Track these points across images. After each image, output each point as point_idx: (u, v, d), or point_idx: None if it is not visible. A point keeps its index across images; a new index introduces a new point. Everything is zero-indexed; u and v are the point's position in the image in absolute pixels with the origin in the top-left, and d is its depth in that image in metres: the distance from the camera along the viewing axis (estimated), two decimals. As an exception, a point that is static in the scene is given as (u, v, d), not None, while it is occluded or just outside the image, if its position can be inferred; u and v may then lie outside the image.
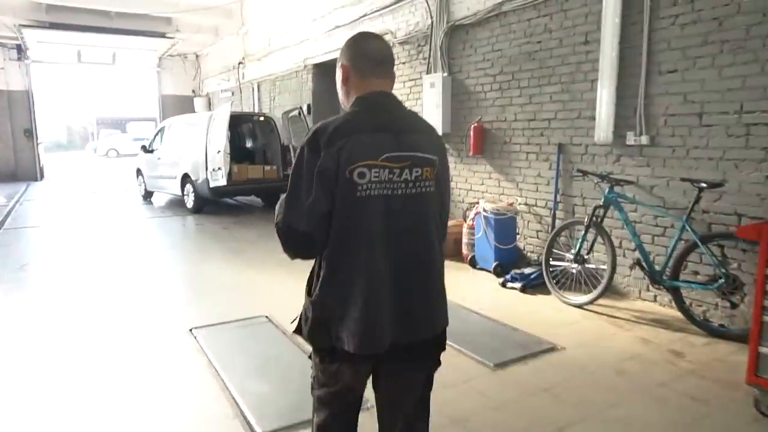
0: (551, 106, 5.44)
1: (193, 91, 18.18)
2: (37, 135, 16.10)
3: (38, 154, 16.18)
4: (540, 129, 5.59)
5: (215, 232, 8.47)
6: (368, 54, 1.57)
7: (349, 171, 1.41)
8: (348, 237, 1.45)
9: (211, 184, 9.24)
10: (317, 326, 1.52)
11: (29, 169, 15.87)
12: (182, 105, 16.87)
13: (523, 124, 5.79)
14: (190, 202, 10.08)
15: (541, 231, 5.75)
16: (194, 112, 15.30)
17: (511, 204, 5.79)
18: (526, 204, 5.89)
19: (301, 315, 1.60)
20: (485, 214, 5.65)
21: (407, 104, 5.66)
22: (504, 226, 5.61)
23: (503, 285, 5.23)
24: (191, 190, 9.92)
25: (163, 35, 14.34)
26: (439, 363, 1.68)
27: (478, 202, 6.00)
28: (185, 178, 10.07)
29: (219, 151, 9.06)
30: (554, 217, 5.46)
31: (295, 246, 1.52)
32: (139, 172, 12.23)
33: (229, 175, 9.33)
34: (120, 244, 7.54)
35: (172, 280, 5.88)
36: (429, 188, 1.52)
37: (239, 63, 13.90)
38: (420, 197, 1.51)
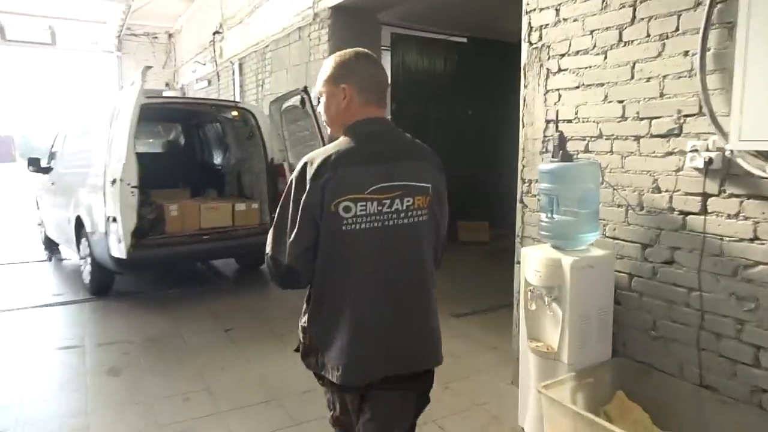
0: None
1: (167, 84, 13.35)
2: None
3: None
4: None
5: (99, 382, 3.45)
6: (374, 80, 1.49)
7: (334, 205, 1.37)
8: (334, 270, 1.43)
9: (112, 251, 4.28)
10: (306, 353, 1.53)
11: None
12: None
13: None
14: (86, 273, 5.13)
15: None
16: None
17: None
18: None
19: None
20: None
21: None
22: None
23: None
24: (87, 251, 4.98)
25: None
26: (427, 400, 1.60)
27: None
28: (79, 226, 5.15)
29: (114, 182, 4.09)
30: None
31: (280, 278, 1.49)
32: (38, 204, 7.35)
33: (151, 228, 4.41)
34: None
35: None
36: (422, 217, 1.47)
37: (215, 33, 9.00)
38: (412, 227, 1.45)
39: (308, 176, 1.38)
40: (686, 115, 2.26)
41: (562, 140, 2.54)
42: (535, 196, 3.04)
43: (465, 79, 7.89)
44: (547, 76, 2.90)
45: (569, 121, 2.76)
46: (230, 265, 6.21)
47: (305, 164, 1.42)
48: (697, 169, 2.22)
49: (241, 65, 8.05)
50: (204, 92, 10.17)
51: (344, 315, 1.42)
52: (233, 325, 4.30)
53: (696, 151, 2.20)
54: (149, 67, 4.28)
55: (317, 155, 1.42)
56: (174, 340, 3.98)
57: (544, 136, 2.94)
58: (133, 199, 4.05)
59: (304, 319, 1.53)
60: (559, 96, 2.83)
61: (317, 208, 1.38)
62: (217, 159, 6.75)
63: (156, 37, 13.12)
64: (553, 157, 2.54)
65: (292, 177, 1.43)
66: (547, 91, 2.90)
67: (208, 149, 6.92)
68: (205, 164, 6.90)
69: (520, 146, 3.11)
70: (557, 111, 2.61)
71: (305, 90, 4.80)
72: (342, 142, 1.45)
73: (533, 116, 3.00)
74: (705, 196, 2.21)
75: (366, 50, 1.53)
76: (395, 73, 7.38)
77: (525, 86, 3.05)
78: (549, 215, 2.52)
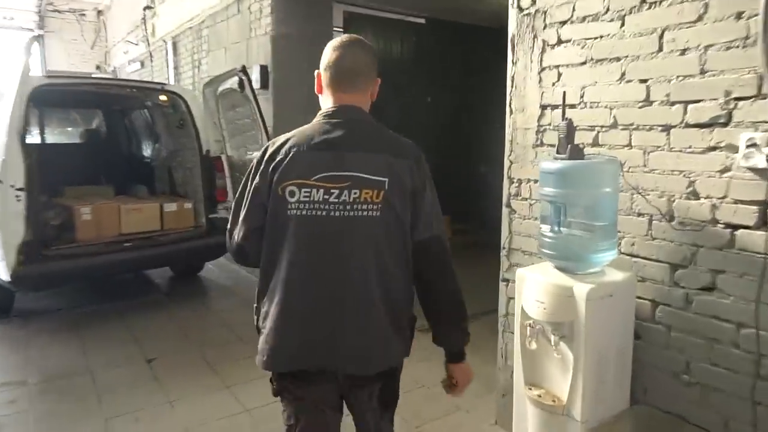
0: None
1: (98, 67, 12.11)
2: None
3: None
4: None
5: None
6: (334, 64, 1.44)
7: (281, 188, 1.38)
8: (274, 254, 1.42)
9: (-1, 272, 3.44)
10: (258, 334, 1.49)
11: None
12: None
13: None
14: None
15: None
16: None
17: None
18: None
19: None
20: None
21: None
22: None
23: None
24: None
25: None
26: (393, 397, 1.53)
27: None
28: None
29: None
30: None
31: (233, 254, 1.52)
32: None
33: (56, 236, 3.61)
34: None
35: None
36: (371, 212, 1.37)
37: (146, 8, 8.02)
38: (357, 221, 1.37)
39: (264, 158, 1.42)
40: (738, 98, 1.71)
41: (571, 131, 1.95)
42: (526, 199, 2.45)
43: (423, 64, 7.29)
44: (543, 50, 2.31)
45: (572, 106, 2.18)
46: (164, 272, 5.42)
47: (267, 146, 1.46)
48: (753, 169, 1.68)
49: (175, 44, 7.15)
50: (137, 75, 9.15)
51: (273, 300, 1.41)
52: (158, 353, 3.56)
53: (755, 146, 1.66)
54: (36, 38, 3.43)
55: (279, 138, 1.45)
56: (80, 378, 3.21)
57: (539, 126, 2.36)
58: (18, 204, 3.21)
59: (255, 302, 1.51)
60: (559, 75, 2.25)
61: (266, 189, 1.40)
62: (147, 151, 5.88)
63: (83, 14, 11.85)
64: (558, 152, 1.95)
65: (255, 156, 1.47)
66: (543, 69, 2.32)
67: (136, 140, 6.04)
68: (133, 157, 6.02)
69: (507, 137, 2.52)
70: (564, 93, 2.04)
71: (243, 70, 4.06)
72: (304, 127, 1.45)
73: (524, 100, 2.41)
74: (765, 205, 1.68)
75: (351, 35, 1.51)
76: None
77: (514, 63, 2.45)
78: (554, 228, 1.94)
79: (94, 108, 5.94)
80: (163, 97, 4.88)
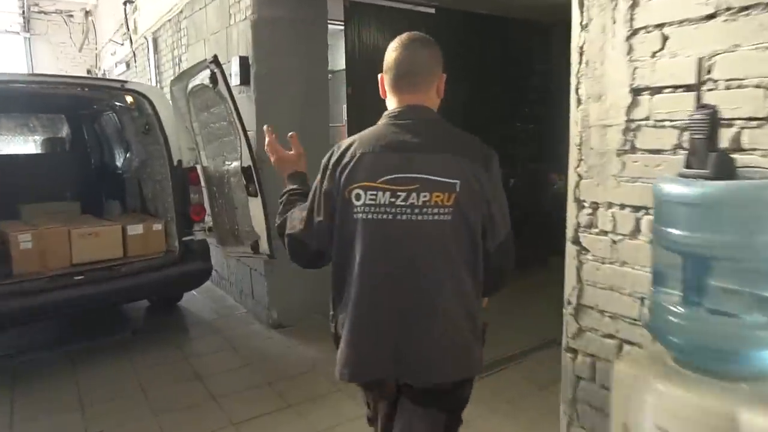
0: None
1: (89, 71, 11.42)
2: None
3: None
4: None
5: None
6: (394, 66, 1.40)
7: (347, 192, 1.34)
8: (344, 260, 1.38)
9: None
10: (335, 342, 1.44)
11: None
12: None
13: None
14: None
15: None
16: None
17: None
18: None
19: None
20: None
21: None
22: None
23: None
24: None
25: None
26: (458, 421, 1.43)
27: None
28: None
29: None
30: None
31: (304, 261, 1.48)
32: None
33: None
34: None
35: None
36: (441, 216, 1.30)
37: (125, 3, 7.27)
38: (426, 225, 1.30)
39: (331, 162, 1.38)
40: None
41: (714, 127, 1.12)
42: (606, 234, 1.62)
43: None
44: (635, 3, 1.47)
45: (689, 87, 1.35)
46: (139, 301, 4.62)
47: (333, 149, 1.41)
48: None
49: (155, 40, 6.37)
50: (124, 77, 8.42)
51: (347, 308, 1.37)
52: (105, 424, 2.77)
53: None
54: None
55: (346, 141, 1.41)
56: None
57: (629, 121, 1.52)
58: None
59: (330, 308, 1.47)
60: (664, 39, 1.42)
61: (335, 192, 1.36)
62: (119, 161, 5.09)
63: (71, 15, 11.15)
64: (689, 165, 1.12)
65: (322, 161, 1.42)
66: (635, 32, 1.48)
67: (107, 148, 5.26)
68: (105, 168, 5.24)
69: (573, 139, 1.68)
70: (669, 67, 1.21)
71: (215, 61, 3.24)
72: (370, 129, 1.41)
73: (603, 83, 1.58)
74: None
75: (411, 33, 1.42)
76: (350, 50, 6.06)
77: (583, 27, 1.62)
78: (687, 298, 1.10)
79: (56, 112, 5.17)
80: (129, 98, 4.08)
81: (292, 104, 3.87)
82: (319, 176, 1.40)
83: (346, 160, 1.34)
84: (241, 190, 3.47)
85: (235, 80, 3.74)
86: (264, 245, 3.48)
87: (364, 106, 6.24)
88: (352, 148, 1.35)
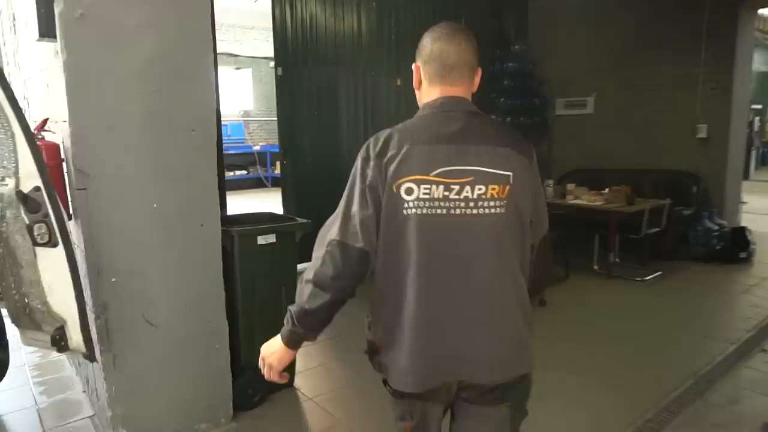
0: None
1: None
2: None
3: None
4: None
5: None
6: (438, 57, 1.37)
7: (396, 186, 1.28)
8: (394, 259, 1.31)
9: None
10: (372, 352, 1.41)
11: None
12: None
13: None
14: None
15: None
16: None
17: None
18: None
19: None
20: None
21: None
22: None
23: None
24: None
25: None
26: (524, 412, 1.46)
27: None
28: None
29: None
30: None
31: (351, 267, 1.29)
32: None
33: None
34: None
35: None
36: (498, 209, 1.30)
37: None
38: (482, 219, 1.30)
39: (372, 153, 1.31)
40: None
41: None
42: None
43: (388, 38, 5.81)
44: None
45: None
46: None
47: (370, 142, 1.36)
48: None
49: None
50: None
51: (404, 312, 1.31)
52: None
53: None
54: None
55: (383, 132, 1.36)
56: None
57: None
58: None
59: (369, 317, 1.43)
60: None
61: (380, 187, 1.29)
62: None
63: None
64: None
65: (358, 156, 1.35)
66: None
67: None
68: None
69: None
70: None
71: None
72: (411, 121, 1.39)
73: None
74: None
75: (451, 23, 1.40)
76: (279, 22, 5.13)
77: None
78: None
79: None
80: None
81: (145, 78, 2.35)
82: (358, 170, 1.31)
83: (392, 151, 1.28)
84: (22, 236, 1.94)
85: (30, 30, 2.21)
86: (75, 336, 1.98)
87: (298, 87, 5.00)
88: (394, 140, 1.29)
